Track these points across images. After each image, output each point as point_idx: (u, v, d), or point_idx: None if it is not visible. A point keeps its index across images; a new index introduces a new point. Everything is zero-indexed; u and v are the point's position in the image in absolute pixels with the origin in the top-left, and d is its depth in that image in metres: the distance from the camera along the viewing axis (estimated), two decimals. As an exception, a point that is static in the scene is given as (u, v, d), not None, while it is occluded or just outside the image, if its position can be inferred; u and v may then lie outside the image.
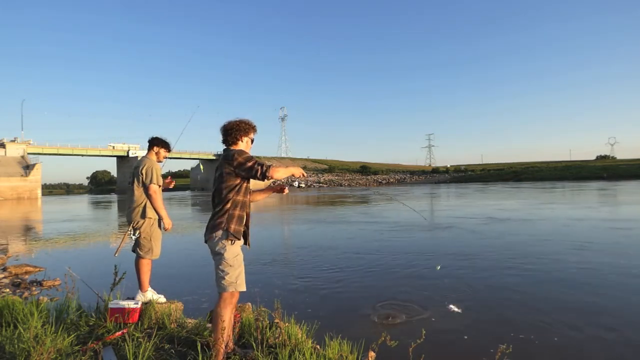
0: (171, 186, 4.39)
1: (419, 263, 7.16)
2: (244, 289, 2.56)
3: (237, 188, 2.60)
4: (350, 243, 9.79)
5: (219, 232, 2.54)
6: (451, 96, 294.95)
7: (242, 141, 2.76)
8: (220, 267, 2.54)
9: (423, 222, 12.88)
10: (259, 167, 2.50)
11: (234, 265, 2.52)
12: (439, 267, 6.41)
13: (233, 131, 2.74)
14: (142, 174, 3.86)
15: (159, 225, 4.02)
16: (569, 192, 30.53)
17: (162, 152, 4.13)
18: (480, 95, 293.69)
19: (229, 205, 2.57)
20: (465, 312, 4.52)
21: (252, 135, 2.82)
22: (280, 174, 2.54)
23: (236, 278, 2.51)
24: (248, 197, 2.69)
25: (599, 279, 5.80)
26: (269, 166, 2.51)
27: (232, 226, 2.53)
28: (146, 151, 4.16)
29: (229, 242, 2.53)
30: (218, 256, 2.55)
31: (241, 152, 2.62)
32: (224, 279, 2.50)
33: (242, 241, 2.66)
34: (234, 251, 2.54)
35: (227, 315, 2.51)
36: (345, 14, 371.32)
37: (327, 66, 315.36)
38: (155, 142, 4.10)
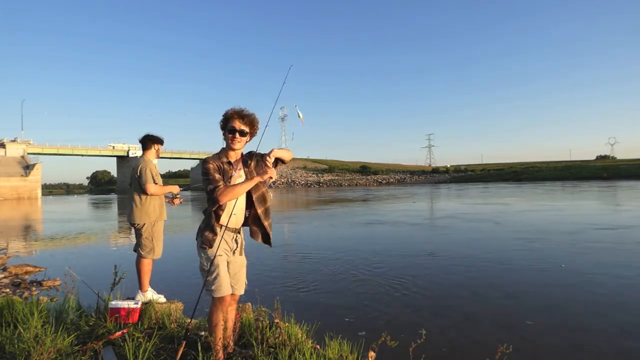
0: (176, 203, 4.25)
1: (432, 264, 7.16)
2: (219, 294, 2.42)
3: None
4: (347, 242, 9.80)
5: (197, 238, 2.53)
6: (451, 96, 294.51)
7: (224, 136, 2.51)
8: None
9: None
10: (210, 189, 2.34)
11: (204, 270, 2.46)
12: None
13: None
14: (137, 176, 3.91)
15: (163, 223, 4.05)
16: (608, 193, 30.14)
17: (155, 148, 4.15)
18: (481, 96, 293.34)
19: (206, 212, 2.52)
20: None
21: (230, 124, 2.45)
22: (229, 197, 2.34)
23: (210, 284, 2.41)
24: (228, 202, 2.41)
25: None
26: (216, 187, 2.33)
27: (204, 234, 2.46)
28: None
29: (202, 248, 2.47)
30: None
31: (206, 161, 2.43)
32: (204, 283, 2.47)
33: (225, 245, 2.49)
34: (207, 257, 2.45)
35: (214, 318, 2.46)
36: (345, 15, 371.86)
37: (327, 67, 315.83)
38: (141, 141, 4.14)
